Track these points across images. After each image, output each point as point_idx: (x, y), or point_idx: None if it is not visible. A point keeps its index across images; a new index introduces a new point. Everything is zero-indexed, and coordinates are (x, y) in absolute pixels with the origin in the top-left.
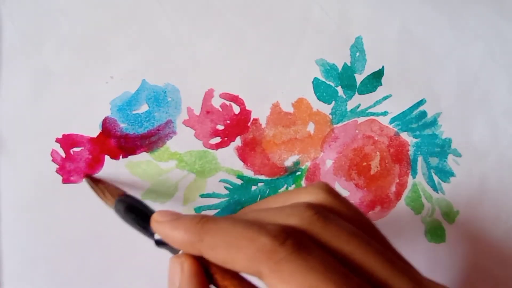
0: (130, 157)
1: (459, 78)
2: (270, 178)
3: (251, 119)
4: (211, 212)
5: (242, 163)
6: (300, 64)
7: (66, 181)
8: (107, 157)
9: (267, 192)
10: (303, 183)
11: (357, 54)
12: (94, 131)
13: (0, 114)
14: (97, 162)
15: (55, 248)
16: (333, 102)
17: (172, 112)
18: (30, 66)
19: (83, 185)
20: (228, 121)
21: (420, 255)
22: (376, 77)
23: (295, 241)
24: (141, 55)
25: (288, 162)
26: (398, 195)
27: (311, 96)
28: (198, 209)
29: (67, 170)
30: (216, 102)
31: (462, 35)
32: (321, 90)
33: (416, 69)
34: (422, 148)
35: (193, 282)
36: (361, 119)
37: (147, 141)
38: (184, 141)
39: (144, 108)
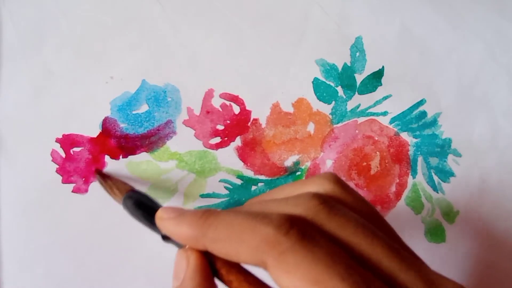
0: (130, 157)
1: (459, 78)
2: (270, 178)
3: (251, 119)
4: None
5: (242, 163)
6: (300, 64)
7: (66, 181)
8: (107, 157)
9: None
10: None
11: (357, 54)
12: (94, 131)
13: (0, 114)
14: (97, 162)
15: (55, 248)
16: (333, 102)
17: (172, 112)
18: (30, 66)
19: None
20: (228, 121)
21: (420, 255)
22: (376, 77)
23: (299, 231)
24: (141, 55)
25: (288, 162)
26: (398, 195)
27: (311, 96)
28: (198, 209)
29: (67, 170)
30: (216, 102)
31: (462, 35)
32: (321, 90)
33: (416, 69)
34: (422, 148)
35: (197, 276)
36: (361, 119)
37: (147, 141)
38: (184, 141)
39: (144, 108)
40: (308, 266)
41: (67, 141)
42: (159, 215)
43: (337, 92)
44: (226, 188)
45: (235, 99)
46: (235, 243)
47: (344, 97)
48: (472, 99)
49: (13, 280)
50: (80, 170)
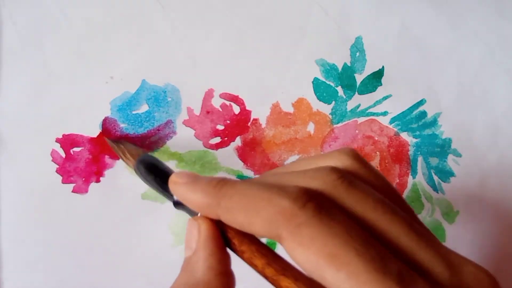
0: None
1: (459, 78)
2: None
3: (251, 119)
4: None
5: (242, 163)
6: (300, 64)
7: (66, 181)
8: (107, 157)
9: None
10: None
11: (357, 54)
12: (94, 131)
13: (0, 114)
14: (97, 162)
15: (55, 248)
16: (333, 102)
17: (172, 112)
18: (30, 66)
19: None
20: (228, 121)
21: None
22: (376, 77)
23: (316, 204)
24: (141, 55)
25: (288, 162)
26: None
27: (311, 96)
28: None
29: (67, 170)
30: (216, 102)
31: (462, 35)
32: (321, 90)
33: (416, 69)
34: (422, 148)
35: (209, 246)
36: (361, 119)
37: (147, 141)
38: (184, 141)
39: (144, 108)
40: (324, 240)
41: (67, 141)
42: (173, 179)
43: (337, 92)
44: None
45: (235, 99)
46: (249, 214)
47: (344, 97)
48: (472, 99)
49: (13, 280)
50: (80, 170)
